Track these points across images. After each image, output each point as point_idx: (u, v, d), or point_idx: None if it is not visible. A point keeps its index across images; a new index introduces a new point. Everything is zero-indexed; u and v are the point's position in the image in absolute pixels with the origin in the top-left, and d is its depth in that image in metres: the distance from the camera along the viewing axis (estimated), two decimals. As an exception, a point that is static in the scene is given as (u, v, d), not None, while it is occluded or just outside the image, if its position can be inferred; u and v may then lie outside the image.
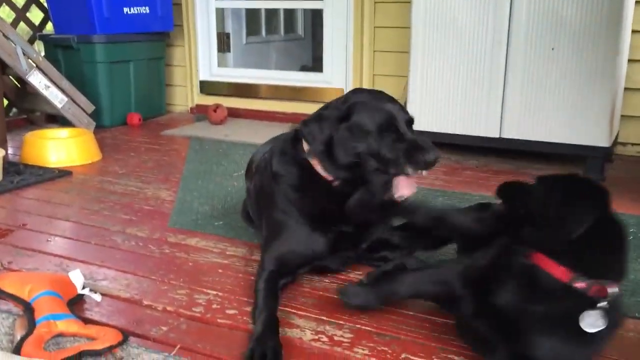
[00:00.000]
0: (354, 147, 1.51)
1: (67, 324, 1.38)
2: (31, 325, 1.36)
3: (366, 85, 3.69)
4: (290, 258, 1.59)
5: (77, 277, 1.58)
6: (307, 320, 1.46)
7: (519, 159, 2.93)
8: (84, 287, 1.58)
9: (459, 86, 2.81)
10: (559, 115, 2.64)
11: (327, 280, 1.67)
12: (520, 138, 2.73)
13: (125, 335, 1.36)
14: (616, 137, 2.98)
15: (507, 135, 2.75)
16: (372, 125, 1.50)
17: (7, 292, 1.50)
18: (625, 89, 2.99)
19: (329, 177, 1.57)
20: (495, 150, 2.94)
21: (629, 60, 2.94)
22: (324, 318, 1.47)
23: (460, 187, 2.54)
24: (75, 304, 1.52)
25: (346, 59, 3.77)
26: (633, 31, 2.91)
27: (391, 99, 1.58)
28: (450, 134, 2.88)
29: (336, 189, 1.56)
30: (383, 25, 3.58)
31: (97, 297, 1.56)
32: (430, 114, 2.89)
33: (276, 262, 1.58)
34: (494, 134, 2.78)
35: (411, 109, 2.89)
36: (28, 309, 1.42)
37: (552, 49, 2.59)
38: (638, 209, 2.25)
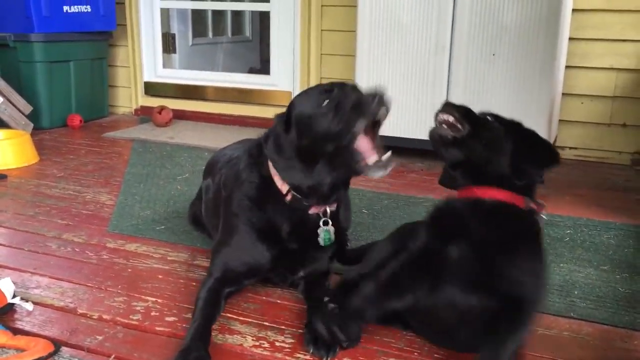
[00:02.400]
0: (303, 139, 1.44)
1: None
2: None
3: (313, 88, 3.68)
4: (237, 267, 1.53)
5: (7, 285, 1.51)
6: (248, 326, 1.44)
7: (462, 162, 2.98)
8: (14, 296, 1.51)
9: (404, 90, 2.85)
10: (500, 120, 2.70)
11: (269, 285, 1.65)
12: (463, 141, 2.78)
13: (57, 345, 1.31)
14: (554, 141, 3.07)
15: (450, 138, 2.79)
16: (310, 109, 1.44)
17: None
18: (563, 94, 3.09)
19: (284, 190, 1.50)
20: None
21: (567, 67, 3.05)
22: (266, 323, 1.45)
23: (405, 190, 2.56)
24: (5, 313, 1.45)
25: (293, 61, 3.76)
26: (570, 38, 3.01)
27: (333, 84, 1.49)
28: (395, 137, 2.90)
29: (289, 204, 1.50)
30: (330, 28, 3.59)
31: (29, 307, 1.49)
32: (376, 117, 2.91)
33: (222, 269, 1.53)
34: (438, 137, 2.82)
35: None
36: None
37: (493, 54, 2.66)
38: (574, 211, 2.32)
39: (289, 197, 1.49)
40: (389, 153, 1.41)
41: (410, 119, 2.86)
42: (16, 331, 1.38)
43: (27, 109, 3.38)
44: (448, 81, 2.75)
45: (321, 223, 1.50)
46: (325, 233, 1.51)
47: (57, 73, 3.63)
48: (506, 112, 2.69)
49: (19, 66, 3.53)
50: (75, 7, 3.64)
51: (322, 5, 3.56)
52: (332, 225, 1.52)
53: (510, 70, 2.64)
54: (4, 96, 3.26)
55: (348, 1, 3.41)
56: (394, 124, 2.88)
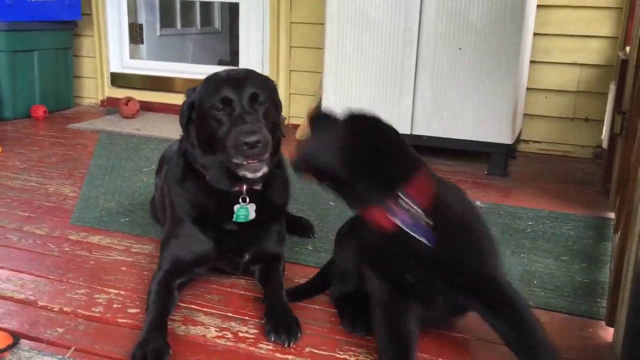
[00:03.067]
0: (197, 125, 1.51)
1: None
2: None
3: (282, 81, 3.68)
4: (183, 257, 1.53)
5: None
6: (212, 317, 1.43)
7: (428, 155, 3.01)
8: None
9: (372, 83, 2.86)
10: (465, 113, 2.74)
11: (234, 277, 1.65)
12: (430, 135, 2.81)
13: (16, 338, 1.29)
14: (519, 135, 3.12)
15: (417, 132, 2.82)
16: (207, 105, 1.46)
17: None
18: (528, 89, 3.14)
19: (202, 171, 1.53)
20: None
21: (532, 62, 3.10)
22: (230, 314, 1.45)
23: (371, 182, 2.58)
24: (-37, 307, 1.43)
25: (262, 54, 3.75)
26: (535, 34, 3.06)
27: (238, 74, 1.50)
28: (363, 130, 2.91)
29: (210, 185, 1.52)
30: (299, 21, 3.58)
31: None
32: (344, 107, 2.92)
33: (170, 261, 1.52)
34: (405, 130, 2.84)
35: (326, 105, 2.93)
36: None
37: (460, 49, 2.68)
38: (536, 203, 2.37)
39: (208, 177, 1.52)
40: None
41: (377, 112, 2.86)
42: (-26, 324, 1.36)
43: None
44: (415, 74, 2.77)
45: (240, 200, 1.52)
46: (240, 210, 1.51)
47: (20, 63, 3.55)
48: (473, 106, 2.74)
49: (-19, 55, 3.45)
50: (39, -5, 3.57)
51: (291, -2, 3.56)
52: (263, 203, 1.53)
53: (476, 64, 2.68)
54: (-36, 86, 3.18)
55: (317, -6, 3.42)
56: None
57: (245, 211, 1.52)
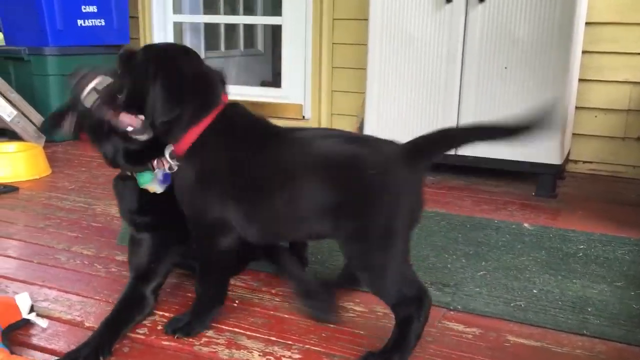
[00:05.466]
0: None
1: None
2: None
3: (325, 101, 3.69)
4: (142, 260, 1.53)
5: (24, 300, 1.47)
6: (255, 341, 1.42)
7: (472, 175, 2.96)
8: (31, 311, 1.48)
9: (414, 102, 2.83)
10: (512, 133, 2.68)
11: (277, 300, 1.64)
12: (475, 155, 2.76)
13: (62, 360, 1.30)
14: (568, 155, 3.04)
15: (462, 152, 2.77)
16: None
17: None
18: (577, 107, 3.06)
19: None
20: (451, 167, 2.96)
21: (580, 80, 3.02)
22: (273, 338, 1.43)
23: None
24: (19, 328, 1.44)
25: (304, 74, 3.77)
26: (583, 52, 2.98)
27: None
28: (406, 151, 2.88)
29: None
30: (341, 41, 3.59)
31: (43, 323, 1.47)
32: (386, 130, 2.90)
33: (134, 267, 1.55)
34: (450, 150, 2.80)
35: (368, 125, 2.92)
36: None
37: (505, 67, 2.64)
38: (587, 225, 2.29)
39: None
40: None
41: (420, 132, 2.83)
42: (24, 346, 1.38)
43: (40, 121, 3.41)
44: (459, 94, 2.74)
45: None
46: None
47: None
48: (518, 126, 2.67)
49: (33, 79, 3.57)
50: (90, 20, 3.68)
51: (333, 19, 3.57)
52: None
53: (523, 83, 2.62)
54: (17, 109, 3.30)
55: (359, 14, 3.42)
56: (405, 137, 2.85)
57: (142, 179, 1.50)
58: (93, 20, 3.70)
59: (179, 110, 1.34)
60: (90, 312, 1.55)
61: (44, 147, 3.08)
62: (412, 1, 2.75)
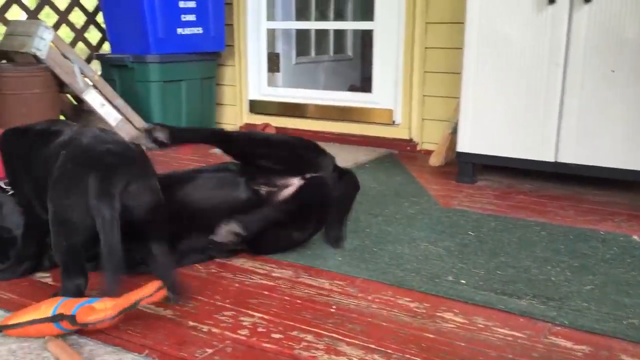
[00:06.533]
0: None
1: (102, 302, 1.41)
2: (70, 318, 1.38)
3: (416, 106, 3.65)
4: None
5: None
6: (354, 348, 1.41)
7: (575, 183, 2.82)
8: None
9: (512, 108, 2.74)
10: (618, 140, 2.53)
11: (374, 306, 1.62)
12: (578, 163, 2.63)
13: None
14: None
15: (562, 159, 2.66)
16: None
17: (26, 321, 1.42)
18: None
19: None
20: (551, 174, 2.84)
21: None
22: (372, 346, 1.42)
23: (513, 212, 2.46)
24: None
25: (396, 79, 3.74)
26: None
27: None
28: (502, 157, 2.80)
29: None
30: (434, 46, 3.54)
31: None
32: (481, 136, 2.82)
33: None
34: (549, 157, 2.68)
35: (462, 131, 2.85)
36: (55, 317, 1.40)
37: (612, 71, 2.50)
38: None
39: None
40: None
41: (518, 138, 2.75)
42: (129, 339, 1.44)
43: (142, 126, 3.58)
44: (561, 100, 2.62)
45: None
46: None
47: (170, 92, 3.82)
48: (627, 132, 2.53)
49: (136, 85, 3.75)
50: (189, 29, 3.83)
51: (426, 23, 3.52)
52: None
53: (631, 87, 2.47)
54: (122, 114, 3.48)
55: (454, 18, 3.36)
56: (502, 143, 2.78)
57: None
58: (192, 29, 3.85)
59: None
60: (192, 311, 1.60)
61: (145, 151, 3.21)
62: (511, 3, 2.66)
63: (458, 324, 1.52)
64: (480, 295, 1.67)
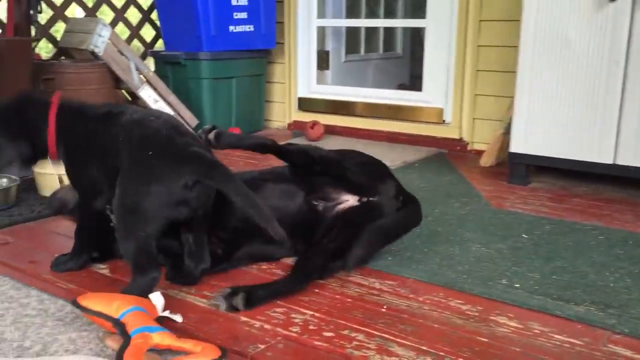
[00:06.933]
0: None
1: (161, 336, 1.38)
2: (126, 337, 1.35)
3: (467, 105, 3.59)
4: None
5: (157, 299, 1.54)
6: (406, 349, 1.40)
7: (633, 187, 2.73)
8: (164, 310, 1.54)
9: (569, 108, 2.66)
10: (683, 142, 2.44)
11: (426, 308, 1.61)
12: (638, 165, 2.54)
13: (224, 350, 1.37)
14: None
15: (622, 162, 2.57)
16: None
17: (94, 310, 1.44)
18: None
19: None
20: (606, 177, 2.75)
21: None
22: (424, 348, 1.41)
23: (569, 215, 2.39)
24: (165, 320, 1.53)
25: (447, 78, 3.69)
26: None
27: None
28: (557, 158, 2.73)
29: None
30: (487, 44, 3.47)
31: (178, 319, 1.53)
32: (535, 136, 2.76)
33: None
34: (607, 160, 2.60)
35: (515, 131, 2.79)
36: (117, 324, 1.40)
37: (677, 70, 2.40)
38: None
39: None
40: None
41: (574, 140, 2.67)
42: (181, 332, 1.46)
43: (193, 121, 3.64)
44: (621, 100, 2.53)
45: None
46: None
47: (220, 89, 3.87)
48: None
49: (188, 82, 3.82)
50: (240, 26, 3.87)
51: (480, 21, 3.46)
52: None
53: (698, 88, 2.37)
54: (174, 110, 3.55)
55: (509, 16, 3.29)
56: (557, 144, 2.70)
57: None
58: (243, 27, 3.89)
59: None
60: (245, 306, 1.61)
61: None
62: (571, 0, 2.59)
63: (513, 329, 1.49)
64: (536, 300, 1.63)
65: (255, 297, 1.57)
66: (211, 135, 1.88)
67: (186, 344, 1.39)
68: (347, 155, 1.99)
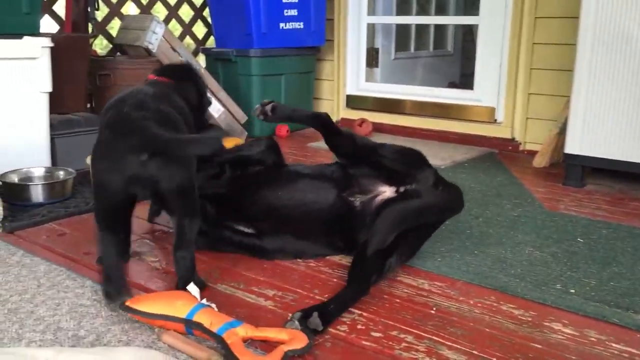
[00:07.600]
0: None
1: (245, 329, 1.39)
2: (216, 337, 1.34)
3: (520, 104, 3.51)
4: None
5: (194, 289, 1.54)
6: (456, 353, 1.37)
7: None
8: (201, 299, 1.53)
9: (629, 108, 2.56)
10: None
11: (477, 311, 1.57)
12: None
13: (311, 338, 1.38)
14: None
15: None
16: None
17: (160, 315, 1.42)
18: None
19: None
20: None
21: None
22: (475, 352, 1.38)
23: (627, 219, 2.30)
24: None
25: (499, 76, 3.61)
26: None
27: None
28: (614, 160, 2.63)
29: None
30: (542, 41, 3.38)
31: (214, 308, 1.52)
32: (592, 137, 2.67)
33: None
34: (668, 163, 2.50)
35: (571, 131, 2.71)
36: (192, 324, 1.38)
37: None
38: None
39: None
40: None
41: (634, 141, 2.57)
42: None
43: (243, 118, 3.67)
44: (686, 100, 2.42)
45: None
46: None
47: (270, 86, 3.89)
48: None
49: (238, 79, 3.85)
50: (290, 24, 3.88)
51: (535, 18, 3.37)
52: None
53: None
54: (224, 106, 3.58)
55: (566, 12, 3.19)
56: (615, 146, 2.61)
57: None
58: (293, 24, 3.90)
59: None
60: (291, 304, 1.61)
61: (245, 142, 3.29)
62: (633, -4, 2.49)
63: (568, 336, 1.45)
64: (592, 306, 1.58)
65: (329, 314, 1.50)
66: (268, 107, 1.96)
67: (269, 333, 1.40)
68: (384, 145, 1.95)
